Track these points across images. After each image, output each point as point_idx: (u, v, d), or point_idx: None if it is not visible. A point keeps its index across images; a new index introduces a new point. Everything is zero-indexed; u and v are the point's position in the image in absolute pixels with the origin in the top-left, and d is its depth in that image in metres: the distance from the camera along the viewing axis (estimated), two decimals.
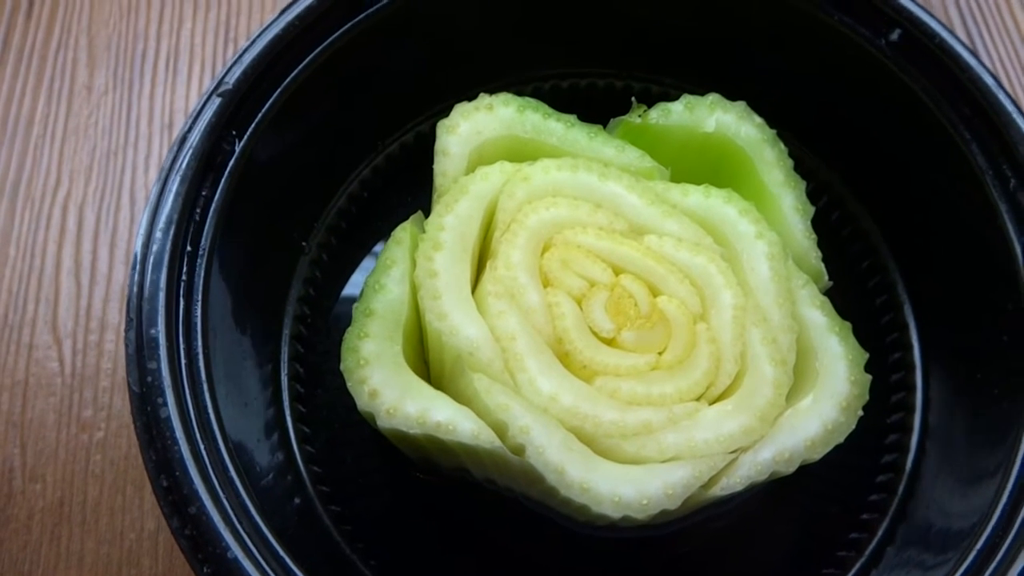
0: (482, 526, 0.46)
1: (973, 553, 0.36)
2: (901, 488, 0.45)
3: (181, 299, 0.38)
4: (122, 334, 0.55)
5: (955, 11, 0.68)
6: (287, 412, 0.46)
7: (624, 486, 0.37)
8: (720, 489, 0.39)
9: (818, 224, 0.45)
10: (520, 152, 0.44)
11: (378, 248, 0.52)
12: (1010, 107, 0.41)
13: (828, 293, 0.43)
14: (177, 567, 0.50)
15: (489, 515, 0.46)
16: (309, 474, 0.45)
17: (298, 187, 0.47)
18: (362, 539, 0.45)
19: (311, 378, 0.48)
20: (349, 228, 0.51)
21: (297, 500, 0.44)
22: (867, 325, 0.49)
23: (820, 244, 0.44)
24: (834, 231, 0.52)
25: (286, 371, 0.47)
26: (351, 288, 0.51)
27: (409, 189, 0.52)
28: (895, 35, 0.45)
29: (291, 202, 0.47)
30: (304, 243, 0.50)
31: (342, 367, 0.39)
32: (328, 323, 0.50)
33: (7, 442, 0.53)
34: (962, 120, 0.43)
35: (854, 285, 0.51)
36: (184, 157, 0.39)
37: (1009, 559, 0.36)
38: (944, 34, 0.43)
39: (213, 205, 0.40)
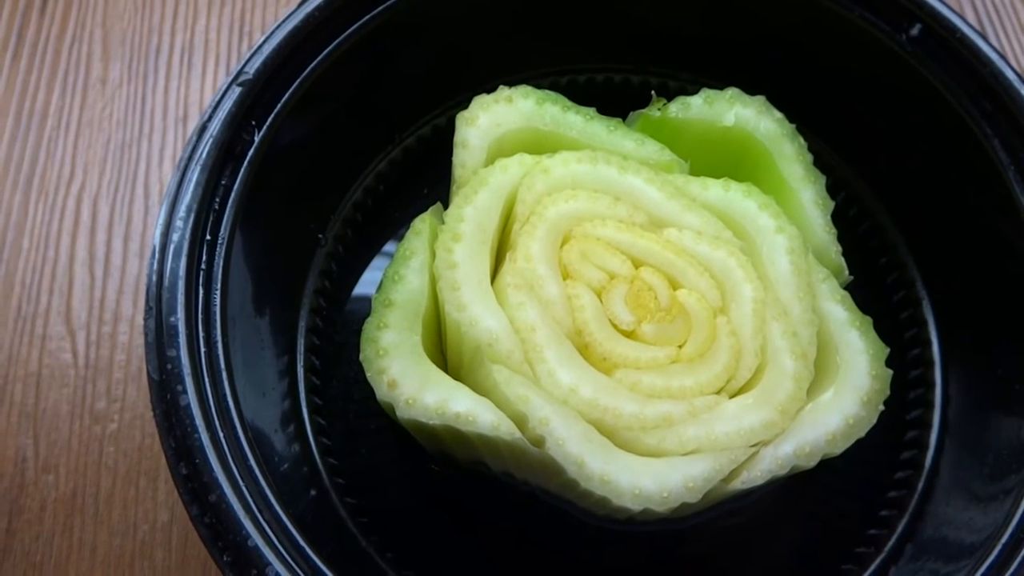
0: (498, 519, 0.46)
1: (995, 551, 0.36)
2: (920, 485, 0.45)
3: (200, 288, 0.38)
4: (137, 326, 0.55)
5: (971, 10, 0.68)
6: (303, 403, 0.46)
7: (645, 479, 0.37)
8: (741, 483, 0.38)
9: (836, 220, 0.45)
10: (539, 144, 0.43)
11: (394, 242, 0.52)
12: None
13: (847, 288, 0.43)
14: (190, 559, 0.50)
15: (505, 509, 0.46)
16: (325, 466, 0.45)
17: (315, 178, 0.47)
18: (378, 531, 0.45)
19: (327, 370, 0.48)
20: (365, 221, 0.51)
21: (313, 491, 0.44)
22: (885, 321, 0.48)
23: (839, 239, 0.44)
24: (852, 227, 0.51)
25: (302, 362, 0.47)
26: (366, 281, 0.51)
27: (426, 182, 0.52)
28: (915, 30, 0.44)
29: (308, 193, 0.47)
30: (321, 235, 0.49)
31: (361, 357, 0.39)
32: (344, 315, 0.49)
33: (20, 433, 0.53)
34: (983, 115, 0.43)
35: (872, 281, 0.51)
36: (204, 146, 0.39)
37: None
38: (965, 28, 0.43)
39: (232, 194, 0.40)
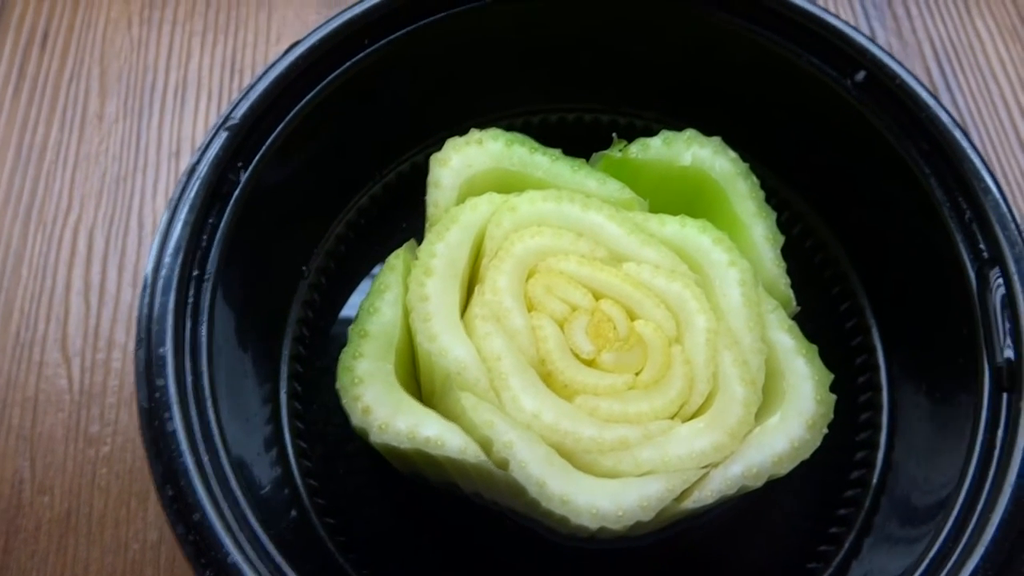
0: (471, 538, 0.48)
1: (926, 562, 0.38)
2: (867, 502, 0.48)
3: (188, 320, 0.40)
4: (129, 353, 0.58)
5: (929, 48, 0.71)
6: (285, 428, 0.48)
7: (601, 499, 0.40)
8: (692, 502, 0.41)
9: (793, 251, 0.47)
10: (508, 184, 0.46)
11: (374, 273, 0.54)
12: (964, 144, 0.44)
13: (801, 316, 0.46)
14: None
15: (477, 527, 0.48)
16: (306, 487, 0.48)
17: (299, 215, 0.50)
18: (355, 549, 0.47)
19: (309, 395, 0.50)
20: (347, 253, 0.54)
21: (294, 512, 0.47)
22: (838, 347, 0.51)
23: (794, 270, 0.47)
24: (808, 257, 0.54)
25: (285, 389, 0.49)
26: (348, 310, 0.54)
27: (405, 217, 0.55)
28: (860, 76, 0.47)
29: (292, 229, 0.50)
30: (304, 267, 0.52)
31: (337, 385, 0.41)
32: (326, 343, 0.52)
33: (17, 455, 0.56)
34: (921, 155, 0.46)
35: (827, 309, 0.53)
36: (192, 187, 0.42)
37: (963, 557, 0.38)
38: (904, 75, 0.46)
39: (219, 232, 0.42)
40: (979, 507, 0.39)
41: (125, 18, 0.70)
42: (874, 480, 0.48)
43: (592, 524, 0.39)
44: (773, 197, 0.53)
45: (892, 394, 0.50)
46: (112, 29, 0.70)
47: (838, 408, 0.43)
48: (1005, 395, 0.40)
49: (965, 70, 0.70)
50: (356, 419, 0.41)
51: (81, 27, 0.70)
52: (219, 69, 0.68)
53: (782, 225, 0.48)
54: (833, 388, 0.43)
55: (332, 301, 0.53)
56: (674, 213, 0.46)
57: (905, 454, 0.47)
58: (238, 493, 0.38)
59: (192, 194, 0.42)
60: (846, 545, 0.47)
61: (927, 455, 0.45)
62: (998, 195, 0.43)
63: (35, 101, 0.67)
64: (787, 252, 0.47)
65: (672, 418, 0.42)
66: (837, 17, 0.48)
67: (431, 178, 0.46)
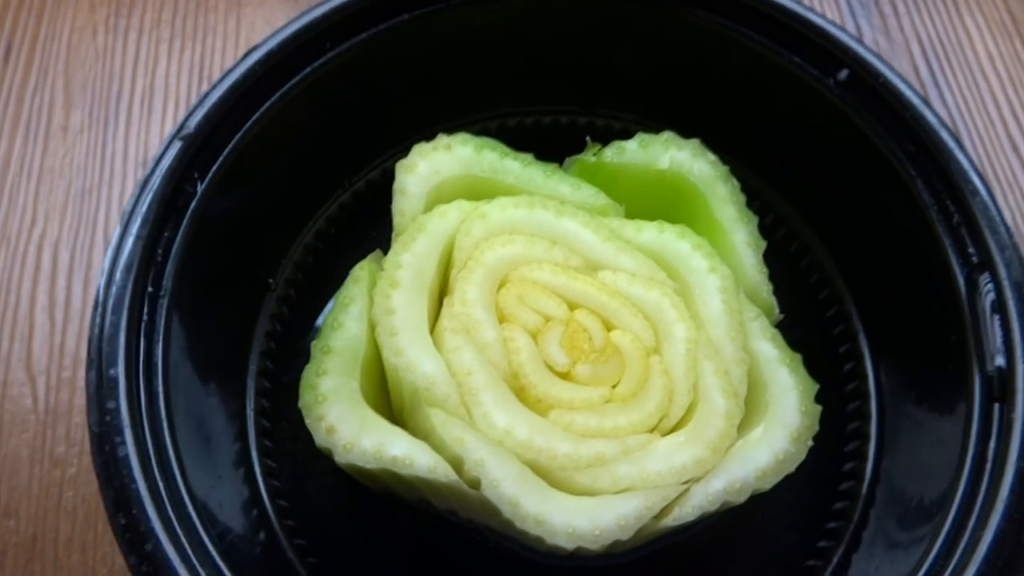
0: (446, 557, 0.47)
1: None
2: (856, 516, 0.46)
3: (142, 339, 0.39)
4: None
5: (916, 46, 0.69)
6: (253, 446, 0.47)
7: (578, 518, 0.38)
8: (673, 520, 0.39)
9: (777, 255, 0.46)
10: (478, 191, 0.45)
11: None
12: (952, 144, 0.43)
13: (785, 323, 0.44)
14: None
15: (452, 546, 0.46)
16: (275, 508, 0.46)
17: (263, 226, 0.49)
18: (327, 572, 0.45)
19: (277, 412, 0.48)
20: (316, 264, 0.52)
21: (262, 535, 0.45)
22: (824, 355, 0.50)
23: (779, 275, 0.45)
24: (792, 262, 0.53)
25: (252, 406, 0.48)
26: (319, 323, 0.52)
27: (376, 225, 0.53)
28: (843, 75, 0.46)
29: (256, 242, 0.48)
30: (271, 280, 0.50)
31: (300, 404, 0.40)
32: (295, 357, 0.50)
33: None
34: (907, 156, 0.44)
35: (812, 315, 0.52)
36: (145, 200, 0.40)
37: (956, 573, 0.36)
38: (888, 74, 0.45)
39: (175, 247, 0.41)
40: (971, 522, 0.37)
41: (91, 27, 0.68)
42: (863, 492, 0.46)
43: (568, 544, 0.38)
44: (756, 199, 0.51)
45: (880, 403, 0.48)
46: (77, 38, 0.68)
47: (825, 418, 0.41)
48: (996, 405, 0.39)
49: (954, 67, 0.68)
50: (320, 439, 0.39)
51: (46, 38, 0.68)
52: (187, 76, 0.66)
53: (766, 229, 0.46)
54: (819, 398, 0.42)
55: (302, 314, 0.51)
56: (651, 219, 0.45)
57: (895, 465, 0.46)
58: (196, 520, 0.37)
59: (144, 207, 0.40)
60: (834, 560, 0.45)
61: (917, 466, 0.44)
62: (987, 197, 0.42)
63: None
64: (771, 256, 0.45)
65: (651, 432, 0.41)
66: (819, 14, 0.46)
67: (397, 185, 0.44)
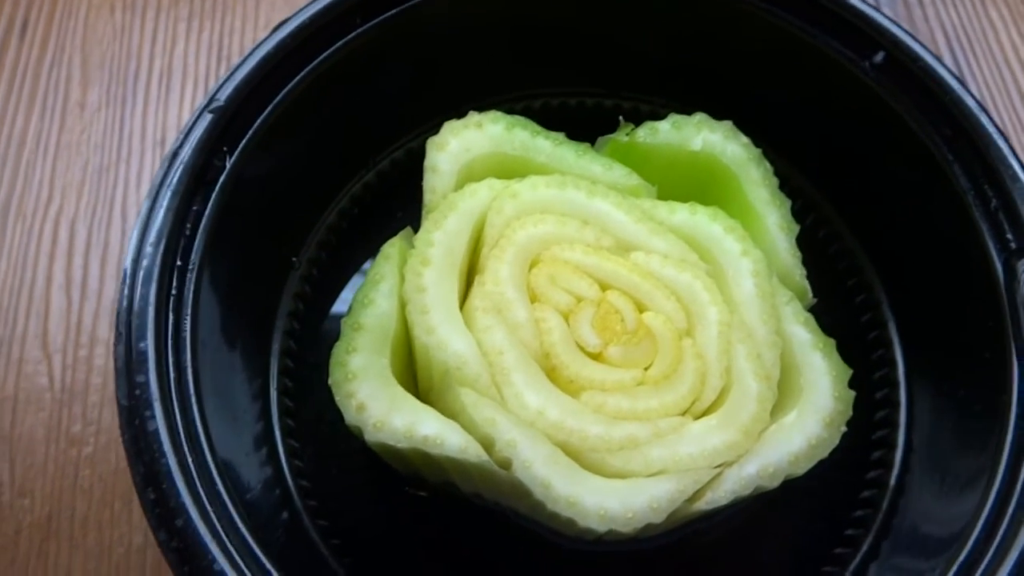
0: (470, 541, 0.46)
1: (955, 568, 0.36)
2: (885, 504, 0.45)
3: (171, 313, 0.38)
4: (112, 348, 0.56)
5: (941, 36, 0.69)
6: (276, 426, 0.46)
7: (610, 500, 0.38)
8: (705, 503, 0.39)
9: (805, 242, 0.45)
10: (509, 169, 0.44)
11: (369, 264, 0.52)
12: (991, 129, 0.42)
13: (814, 310, 0.44)
14: None
15: (477, 530, 0.46)
16: (297, 488, 0.45)
17: (289, 203, 0.48)
18: (350, 553, 0.45)
19: (300, 392, 0.48)
20: (339, 244, 0.52)
21: (285, 514, 0.44)
22: (853, 342, 0.49)
23: (807, 262, 0.45)
24: (821, 249, 0.52)
25: (275, 385, 0.47)
26: (341, 303, 0.51)
27: (400, 205, 0.53)
28: (879, 57, 0.45)
29: (281, 218, 0.48)
30: (295, 258, 0.50)
31: (330, 381, 0.39)
32: (317, 337, 0.50)
33: None
34: (944, 141, 0.43)
35: (841, 303, 0.51)
36: (175, 172, 0.39)
37: (991, 571, 0.36)
38: (927, 57, 0.44)
39: (203, 220, 0.40)
40: (1008, 514, 0.36)
41: (108, 4, 0.68)
42: (892, 482, 0.46)
43: (600, 526, 0.37)
44: (785, 185, 0.50)
45: (910, 391, 0.48)
46: (94, 15, 0.67)
47: (854, 405, 0.41)
48: None
49: (979, 58, 0.68)
50: (350, 417, 0.39)
51: (62, 14, 0.67)
52: (205, 55, 0.66)
53: (794, 214, 0.46)
54: (849, 384, 0.41)
55: (324, 294, 0.51)
56: (684, 200, 0.44)
57: (925, 456, 0.45)
58: (225, 496, 0.36)
59: (175, 180, 0.39)
60: (863, 547, 0.45)
61: (949, 458, 0.43)
62: None
63: (14, 90, 0.65)
64: (799, 243, 0.45)
65: (683, 415, 0.40)
66: None
67: (428, 163, 0.43)
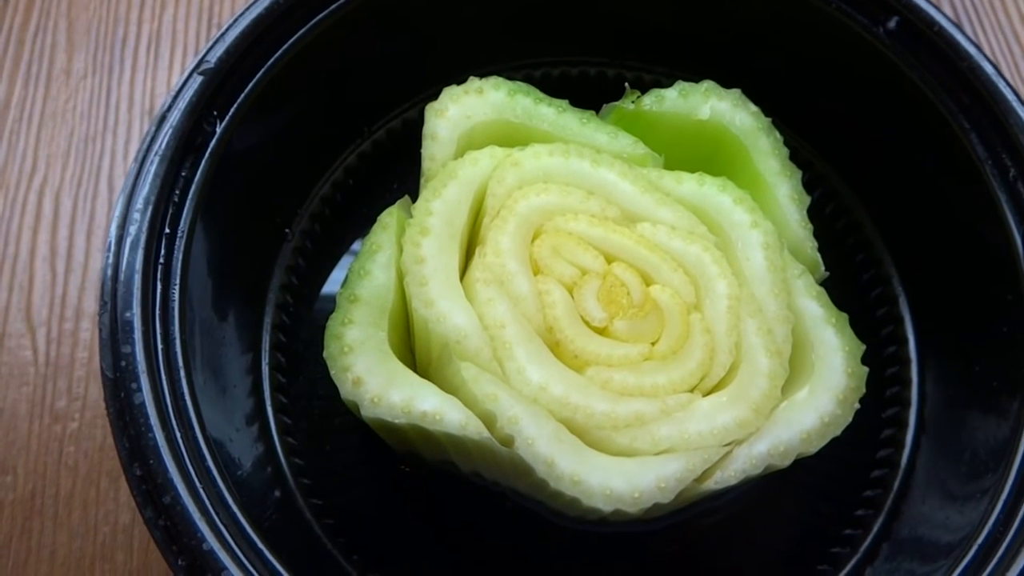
0: (468, 520, 0.45)
1: (971, 552, 0.35)
2: (896, 484, 0.44)
3: (158, 282, 0.36)
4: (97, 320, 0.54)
5: (949, 8, 0.67)
6: (268, 402, 0.45)
7: (616, 479, 0.36)
8: (714, 483, 0.38)
9: (813, 216, 0.44)
10: (510, 137, 0.43)
11: (362, 237, 0.50)
12: (1010, 96, 0.41)
13: (823, 285, 0.42)
14: (153, 562, 0.49)
15: (475, 509, 0.45)
16: (290, 466, 0.44)
17: (281, 172, 0.46)
18: (344, 533, 0.43)
19: (293, 367, 0.46)
20: (333, 215, 0.50)
21: (277, 492, 0.43)
22: (862, 319, 0.47)
23: (815, 236, 0.43)
24: (829, 223, 0.51)
25: (267, 360, 0.46)
26: (334, 276, 0.50)
27: (395, 176, 0.51)
28: (893, 23, 0.44)
29: (273, 187, 0.46)
30: (287, 230, 0.48)
31: (325, 354, 0.38)
32: (311, 312, 0.48)
33: None
34: (961, 109, 0.42)
35: (849, 278, 0.50)
36: (164, 137, 0.38)
37: (1009, 558, 0.35)
38: (943, 22, 0.42)
39: (193, 187, 0.39)
40: None
41: None
42: (903, 461, 0.45)
43: (606, 506, 0.36)
44: (793, 157, 0.49)
45: (922, 369, 0.46)
46: None
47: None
48: None
49: (987, 29, 0.66)
50: (346, 391, 0.37)
51: None
52: (195, 20, 0.64)
53: (803, 187, 0.44)
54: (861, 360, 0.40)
55: (318, 266, 0.49)
56: (690, 170, 0.43)
57: (937, 434, 0.44)
58: (214, 472, 0.34)
59: (163, 144, 0.38)
60: (874, 528, 0.44)
61: (963, 436, 0.42)
62: None
63: None
64: (808, 216, 0.43)
65: (691, 391, 0.39)
66: None
67: (427, 129, 0.42)
